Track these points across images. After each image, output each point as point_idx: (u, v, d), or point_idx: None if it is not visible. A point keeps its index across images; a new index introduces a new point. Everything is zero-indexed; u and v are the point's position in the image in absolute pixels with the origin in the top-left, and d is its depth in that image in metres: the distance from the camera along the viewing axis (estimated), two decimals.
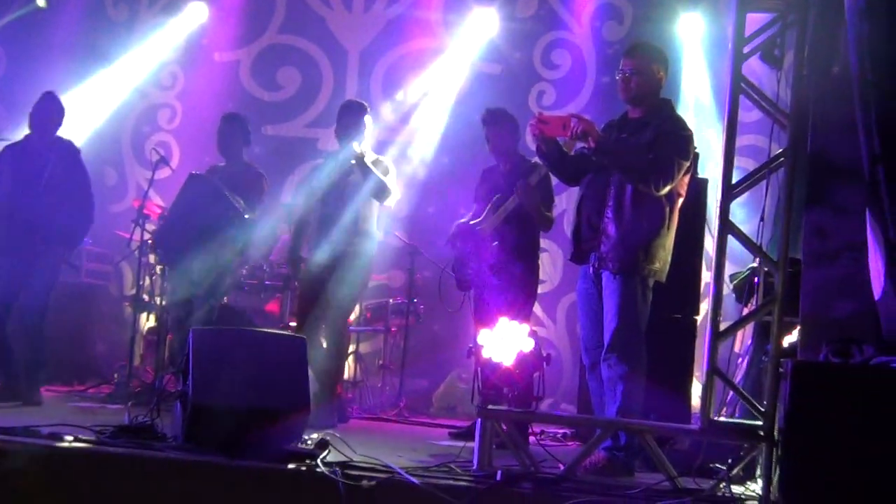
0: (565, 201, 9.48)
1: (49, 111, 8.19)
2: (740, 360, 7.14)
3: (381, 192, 7.90)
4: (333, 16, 11.48)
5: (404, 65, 11.24)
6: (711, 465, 5.67)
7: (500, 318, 5.61)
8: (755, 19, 5.58)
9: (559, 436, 8.04)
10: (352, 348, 9.98)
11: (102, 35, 11.63)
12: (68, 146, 8.28)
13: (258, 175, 8.42)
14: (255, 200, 8.19)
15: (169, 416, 5.89)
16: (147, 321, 10.05)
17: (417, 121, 11.03)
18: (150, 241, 8.88)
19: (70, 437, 5.31)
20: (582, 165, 6.29)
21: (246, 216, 8.01)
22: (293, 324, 8.94)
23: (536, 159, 6.88)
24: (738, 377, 6.85)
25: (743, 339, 7.59)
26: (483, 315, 7.31)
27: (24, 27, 11.62)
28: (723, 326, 5.45)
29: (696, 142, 6.37)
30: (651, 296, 6.06)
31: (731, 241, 5.46)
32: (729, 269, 7.80)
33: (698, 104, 10.42)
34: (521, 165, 7.67)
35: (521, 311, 7.22)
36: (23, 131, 8.35)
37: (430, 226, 10.35)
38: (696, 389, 7.12)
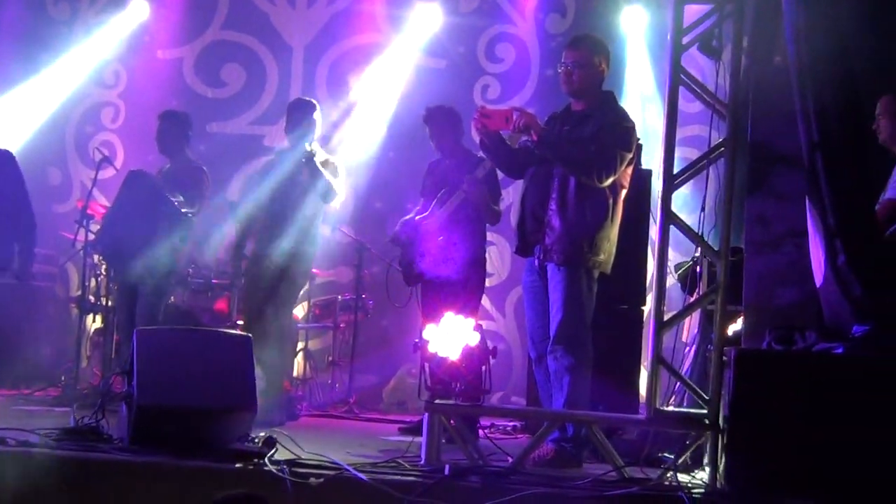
0: (512, 194, 9.48)
1: None
2: (687, 349, 7.19)
3: (327, 193, 7.89)
4: (277, 11, 11.41)
5: (349, 60, 11.20)
6: (659, 455, 5.72)
7: (445, 313, 5.62)
8: (694, 11, 5.61)
9: (509, 429, 8.06)
10: (300, 345, 9.95)
11: (43, 33, 11.50)
12: (5, 155, 8.21)
13: (199, 170, 8.41)
14: (195, 196, 8.16)
15: (115, 417, 5.84)
16: (93, 322, 9.95)
17: (362, 116, 10.99)
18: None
19: (13, 441, 5.26)
20: (525, 158, 6.30)
21: (184, 212, 7.96)
22: (241, 322, 8.90)
23: (482, 154, 6.90)
24: (685, 366, 6.89)
25: (690, 329, 7.66)
26: (430, 310, 7.31)
27: None
28: (667, 316, 5.49)
29: (640, 133, 6.41)
30: (596, 287, 6.08)
31: (678, 231, 5.50)
32: (676, 259, 7.90)
33: (642, 96, 10.48)
34: (466, 160, 7.67)
35: (468, 305, 7.23)
36: None
37: (377, 221, 10.32)
38: (644, 380, 7.16)
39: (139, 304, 8.01)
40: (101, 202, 9.61)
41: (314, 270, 9.22)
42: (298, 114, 8.11)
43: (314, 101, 8.28)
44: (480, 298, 7.81)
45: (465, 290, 7.43)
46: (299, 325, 9.83)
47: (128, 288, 8.17)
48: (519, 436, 7.79)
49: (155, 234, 7.83)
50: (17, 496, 4.88)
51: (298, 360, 9.86)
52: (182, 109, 9.85)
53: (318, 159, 7.88)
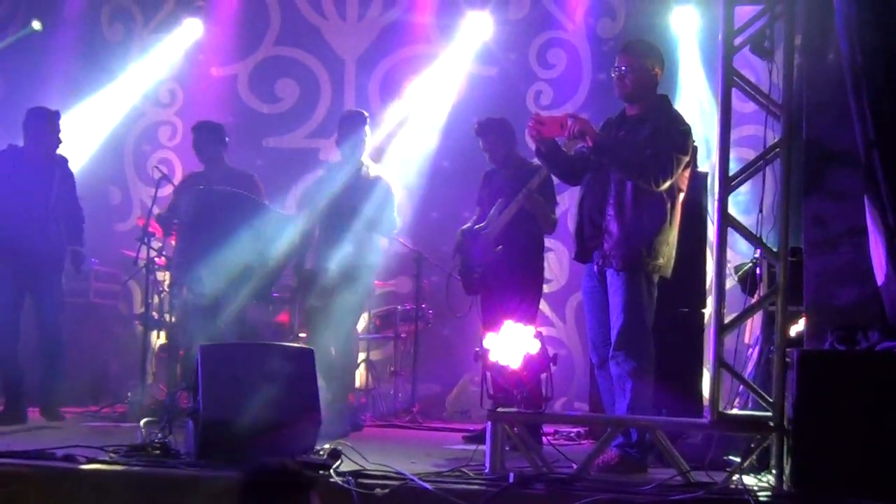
0: (568, 200, 9.47)
1: (51, 126, 8.28)
2: (750, 350, 7.14)
3: (390, 229, 8.06)
4: (328, 25, 11.50)
5: (400, 71, 11.24)
6: (724, 458, 5.69)
7: (505, 321, 5.63)
8: (745, 12, 5.59)
9: (572, 435, 8.03)
10: (362, 356, 9.99)
11: (99, 55, 11.68)
12: (66, 162, 8.37)
13: (251, 178, 8.59)
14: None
15: (182, 432, 5.91)
16: (158, 339, 10.06)
17: (416, 126, 11.02)
18: (158, 261, 8.93)
19: (84, 459, 5.33)
20: (581, 164, 6.30)
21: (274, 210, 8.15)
22: (303, 335, 8.96)
23: (537, 160, 6.91)
24: (748, 368, 6.85)
25: (752, 330, 7.59)
26: (490, 318, 7.32)
27: (20, 51, 11.66)
28: (728, 319, 5.47)
29: (696, 135, 6.38)
30: (656, 291, 6.07)
31: (736, 233, 5.49)
32: (735, 261, 7.86)
33: (696, 97, 10.41)
34: (521, 168, 7.68)
35: (527, 312, 7.25)
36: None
37: (435, 230, 10.37)
38: (707, 383, 7.13)
39: (220, 308, 8.12)
40: None
41: (375, 282, 9.27)
42: (349, 126, 8.16)
43: (365, 113, 8.33)
44: (538, 305, 7.82)
45: (523, 297, 7.44)
46: (360, 335, 9.88)
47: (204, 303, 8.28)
48: (583, 442, 7.77)
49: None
50: None
51: (361, 371, 9.91)
52: (238, 125, 9.98)
53: (370, 173, 7.95)
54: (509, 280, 7.45)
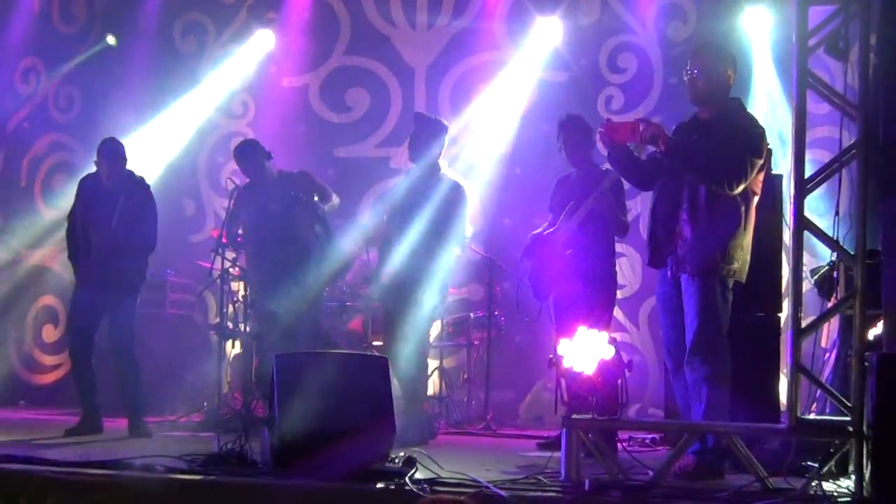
0: (640, 205, 9.43)
1: (114, 149, 8.39)
2: (827, 354, 7.06)
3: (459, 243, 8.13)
4: (398, 34, 11.55)
5: (471, 78, 11.25)
6: (803, 464, 5.62)
7: (578, 327, 5.61)
8: (819, 12, 5.52)
9: (648, 441, 7.99)
10: (435, 364, 10.01)
11: (172, 68, 11.83)
12: (134, 188, 8.45)
13: (302, 173, 8.73)
14: (322, 190, 8.55)
15: (258, 441, 5.95)
16: (233, 348, 10.15)
17: (487, 133, 11.02)
18: (232, 271, 9.02)
19: (162, 468, 5.39)
20: (654, 169, 6.26)
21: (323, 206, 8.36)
22: (377, 343, 9.00)
23: (607, 165, 6.87)
24: (825, 372, 6.77)
25: (829, 334, 7.49)
26: (562, 324, 7.30)
27: (96, 66, 11.89)
28: (805, 323, 5.41)
29: (770, 138, 6.31)
30: (731, 296, 6.01)
31: (813, 236, 5.42)
32: (811, 264, 7.76)
33: (770, 99, 10.29)
34: (593, 172, 7.65)
35: (601, 317, 7.20)
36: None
37: (507, 237, 10.35)
38: (784, 387, 7.05)
39: (279, 319, 8.21)
40: (235, 230, 9.79)
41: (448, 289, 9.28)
42: (421, 133, 8.17)
43: (438, 119, 8.35)
44: (612, 310, 7.76)
45: (595, 302, 7.40)
46: (433, 343, 9.89)
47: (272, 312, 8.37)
48: (658, 448, 7.73)
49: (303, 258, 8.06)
50: None
51: (434, 379, 9.93)
52: (309, 135, 10.05)
53: (445, 180, 7.96)
54: (580, 284, 7.41)
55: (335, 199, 8.71)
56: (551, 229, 7.66)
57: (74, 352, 8.31)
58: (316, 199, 8.42)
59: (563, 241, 7.51)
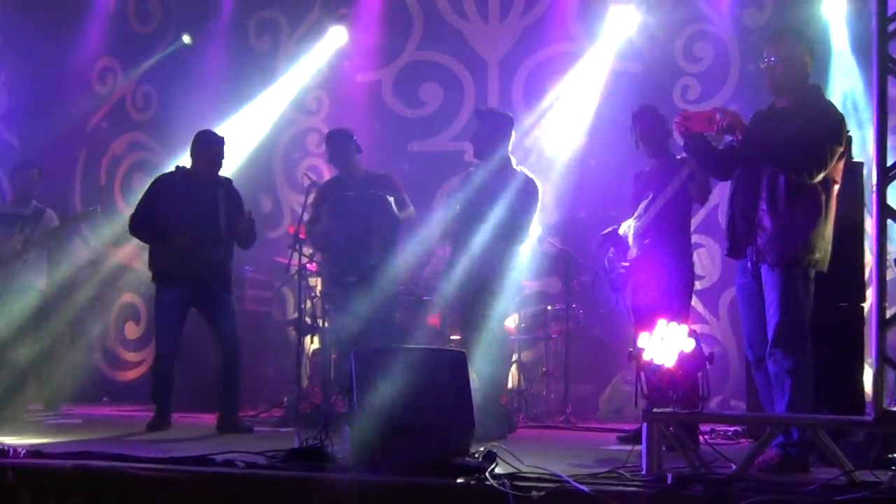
0: (717, 195, 9.33)
1: (220, 150, 8.44)
2: None
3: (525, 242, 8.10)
4: (470, 28, 11.54)
5: (544, 71, 11.21)
6: (889, 456, 5.53)
7: (657, 320, 5.55)
8: None
9: (730, 433, 7.91)
10: (514, 357, 9.99)
11: (247, 66, 11.94)
12: (230, 183, 8.52)
13: (388, 175, 8.73)
14: (401, 198, 8.51)
15: (338, 436, 5.96)
16: (312, 343, 10.21)
17: (561, 126, 10.96)
18: (309, 266, 9.07)
19: (243, 464, 5.42)
20: (732, 159, 6.18)
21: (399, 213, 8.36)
22: (454, 337, 9.01)
23: (683, 155, 6.80)
24: None
25: None
26: (640, 316, 7.26)
27: (172, 65, 12.04)
28: (889, 313, 5.31)
29: (850, 125, 6.21)
30: (813, 287, 5.92)
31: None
32: (894, 253, 7.62)
33: (849, 85, 10.13)
34: (670, 164, 7.58)
35: (679, 309, 7.14)
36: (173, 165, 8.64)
37: (583, 230, 10.30)
38: (869, 379, 6.93)
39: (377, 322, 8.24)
40: None
41: (523, 282, 9.25)
42: (483, 129, 8.15)
43: (505, 113, 8.32)
44: (690, 302, 7.69)
45: (673, 294, 7.33)
46: (511, 337, 9.88)
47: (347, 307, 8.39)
48: (741, 440, 7.65)
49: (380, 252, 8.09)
50: None
51: (512, 372, 9.91)
52: (383, 131, 10.08)
53: (516, 175, 7.94)
54: (657, 276, 7.36)
55: (411, 209, 8.71)
56: (627, 221, 7.63)
57: (164, 349, 8.31)
58: (392, 202, 8.38)
59: (640, 233, 7.47)
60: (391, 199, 8.39)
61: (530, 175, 8.16)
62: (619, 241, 7.64)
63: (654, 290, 7.34)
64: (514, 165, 8.12)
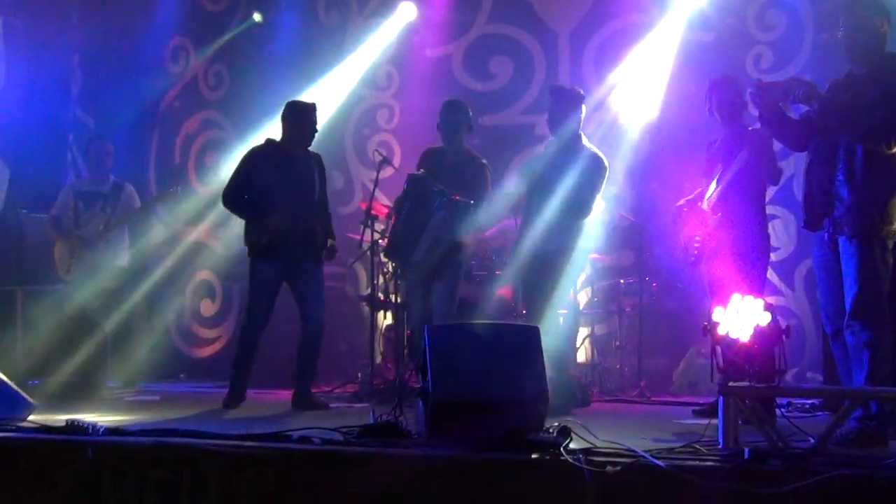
0: (793, 166, 9.22)
1: (313, 118, 8.38)
2: None
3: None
4: (541, 0, 11.46)
5: (615, 42, 11.08)
6: None
7: (733, 293, 5.51)
8: None
9: (807, 406, 7.83)
10: (586, 331, 9.96)
11: (317, 42, 11.95)
12: (320, 158, 8.51)
13: (482, 166, 8.43)
14: (480, 192, 8.23)
15: (412, 412, 5.99)
16: (385, 319, 10.25)
17: (632, 98, 10.86)
18: (381, 242, 9.08)
19: (319, 441, 5.46)
20: (808, 129, 6.11)
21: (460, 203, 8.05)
22: (526, 311, 8.99)
23: (756, 126, 6.72)
24: None
25: None
26: (716, 289, 7.20)
27: (243, 43, 12.10)
28: None
29: None
30: (891, 258, 5.84)
31: None
32: None
33: None
34: (742, 134, 7.50)
35: (754, 282, 7.07)
36: (251, 144, 8.66)
37: (656, 202, 10.21)
38: None
39: (436, 300, 8.18)
40: (383, 202, 9.88)
41: (594, 255, 9.21)
42: (558, 106, 8.10)
43: (577, 90, 8.26)
44: (765, 274, 7.60)
45: (748, 266, 7.26)
46: (584, 310, 9.85)
47: (421, 284, 8.36)
48: (818, 413, 7.57)
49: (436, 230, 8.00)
50: (323, 493, 5.07)
51: (586, 346, 9.89)
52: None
53: (586, 149, 7.90)
54: (732, 248, 7.29)
55: (482, 214, 8.43)
56: (699, 192, 7.57)
57: (255, 320, 8.27)
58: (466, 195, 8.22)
59: (713, 205, 7.40)
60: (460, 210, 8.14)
61: (599, 153, 8.12)
62: (693, 215, 7.58)
63: (729, 263, 7.27)
64: (584, 142, 8.08)
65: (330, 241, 8.39)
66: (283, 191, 8.14)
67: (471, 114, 8.64)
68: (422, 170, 8.37)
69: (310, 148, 8.45)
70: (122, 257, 9.94)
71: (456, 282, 8.31)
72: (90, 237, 9.66)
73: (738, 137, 7.46)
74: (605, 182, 8.13)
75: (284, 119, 8.36)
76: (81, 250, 9.74)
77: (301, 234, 8.14)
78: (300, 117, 8.31)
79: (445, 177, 8.18)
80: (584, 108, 8.17)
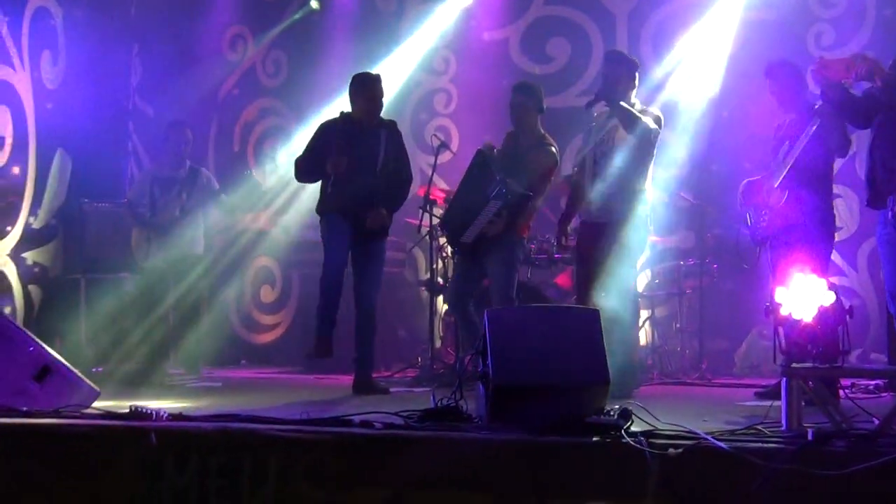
0: (856, 144, 9.08)
1: (377, 89, 8.33)
2: None
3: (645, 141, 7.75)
4: None
5: (673, 22, 11.01)
6: None
7: (796, 273, 5.44)
8: None
9: (871, 387, 7.73)
10: (647, 314, 9.90)
11: (374, 28, 11.98)
12: (393, 125, 8.40)
13: (550, 154, 8.26)
14: (542, 183, 8.14)
15: (472, 396, 5.98)
16: (444, 304, 10.25)
17: (692, 78, 10.76)
18: (439, 226, 9.07)
19: (380, 425, 5.47)
20: (872, 106, 6.02)
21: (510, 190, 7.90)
22: None
23: (820, 104, 6.64)
24: None
25: None
26: (779, 269, 7.13)
27: (300, 30, 12.16)
28: None
29: None
30: None
31: None
32: None
33: None
34: (805, 113, 7.40)
35: (819, 262, 6.98)
36: (309, 130, 8.66)
37: (716, 183, 10.15)
38: None
39: (492, 283, 8.13)
40: (442, 187, 9.87)
41: (654, 238, 9.13)
42: (611, 71, 7.99)
43: (632, 58, 8.16)
44: (830, 254, 7.51)
45: (812, 246, 7.18)
46: (644, 292, 9.79)
47: (462, 262, 8.33)
48: (883, 394, 7.48)
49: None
50: (385, 477, 5.08)
51: (647, 329, 9.83)
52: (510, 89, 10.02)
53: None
54: (797, 228, 7.21)
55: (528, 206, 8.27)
56: (765, 173, 7.50)
57: (335, 259, 8.09)
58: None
59: (778, 186, 7.32)
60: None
61: (657, 112, 7.95)
62: (758, 194, 7.51)
63: (792, 244, 7.20)
64: (639, 108, 7.95)
65: (384, 212, 8.25)
66: (350, 164, 8.04)
67: (541, 95, 8.49)
68: (496, 149, 8.34)
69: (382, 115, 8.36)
70: (197, 246, 9.97)
71: (511, 264, 8.18)
72: (166, 224, 9.71)
73: (805, 115, 7.36)
74: (658, 137, 7.93)
75: (349, 92, 8.33)
76: (158, 237, 9.76)
77: (364, 209, 8.06)
78: (365, 89, 8.27)
79: (512, 161, 8.13)
80: (637, 74, 8.02)
